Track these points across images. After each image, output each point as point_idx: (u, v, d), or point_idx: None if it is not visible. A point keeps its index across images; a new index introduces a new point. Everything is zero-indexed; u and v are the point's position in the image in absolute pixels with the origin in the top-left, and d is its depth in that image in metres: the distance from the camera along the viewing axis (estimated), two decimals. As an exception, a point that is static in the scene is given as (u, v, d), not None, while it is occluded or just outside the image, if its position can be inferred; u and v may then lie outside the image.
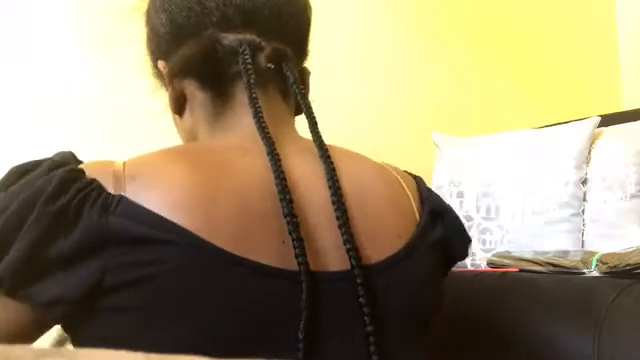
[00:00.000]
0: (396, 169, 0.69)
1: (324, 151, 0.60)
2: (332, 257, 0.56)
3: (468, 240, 0.74)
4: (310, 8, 0.70)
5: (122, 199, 0.51)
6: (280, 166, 0.56)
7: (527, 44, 2.21)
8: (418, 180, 0.70)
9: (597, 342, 0.88)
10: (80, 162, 0.57)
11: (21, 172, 0.54)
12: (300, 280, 0.52)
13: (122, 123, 1.47)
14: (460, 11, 2.10)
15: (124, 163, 0.56)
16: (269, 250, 0.53)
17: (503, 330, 0.99)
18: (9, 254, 0.49)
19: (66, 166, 0.53)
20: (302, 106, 0.64)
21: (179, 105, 0.67)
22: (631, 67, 2.38)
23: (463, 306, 1.02)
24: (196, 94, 0.65)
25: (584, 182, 1.44)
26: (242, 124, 0.62)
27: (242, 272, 0.51)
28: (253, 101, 0.60)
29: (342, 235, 0.55)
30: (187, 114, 0.67)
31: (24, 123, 1.41)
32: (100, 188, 0.52)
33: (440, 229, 0.66)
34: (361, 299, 0.54)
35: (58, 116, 1.45)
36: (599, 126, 1.50)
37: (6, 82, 1.43)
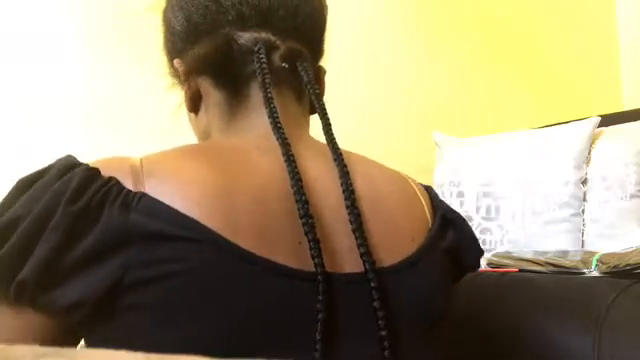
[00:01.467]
0: (408, 177, 0.70)
1: (338, 154, 0.60)
2: (347, 259, 0.56)
3: (480, 252, 0.73)
4: (326, 7, 0.70)
5: (143, 196, 0.51)
6: (296, 167, 0.56)
7: (527, 44, 2.21)
8: (429, 189, 0.71)
9: (597, 342, 0.88)
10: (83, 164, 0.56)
11: (29, 182, 0.53)
12: (317, 281, 0.52)
13: (122, 123, 1.47)
14: (460, 11, 2.10)
15: (141, 159, 0.55)
16: (286, 250, 0.53)
17: (503, 330, 0.99)
18: (33, 257, 0.49)
19: (79, 166, 0.53)
20: (316, 107, 0.64)
21: (194, 103, 0.67)
22: (631, 67, 2.38)
23: (463, 306, 1.02)
24: (211, 93, 0.65)
25: (584, 182, 1.44)
26: (257, 124, 0.62)
27: (261, 272, 0.51)
28: (268, 101, 0.60)
29: (356, 239, 0.55)
30: (202, 113, 0.67)
31: (24, 123, 1.41)
32: (119, 185, 0.52)
33: (452, 235, 0.66)
34: (375, 303, 0.54)
35: (58, 116, 1.45)
36: (599, 126, 1.50)
37: (6, 82, 1.43)
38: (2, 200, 0.54)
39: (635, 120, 1.53)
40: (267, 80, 0.61)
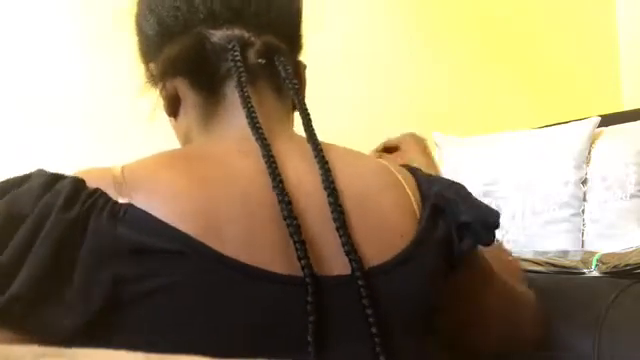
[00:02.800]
0: (393, 165, 0.67)
1: (318, 151, 0.58)
2: (336, 260, 0.55)
3: (491, 223, 0.66)
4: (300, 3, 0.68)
5: (129, 207, 0.50)
6: (276, 169, 0.55)
7: (527, 44, 2.21)
8: (416, 173, 0.67)
9: (597, 342, 0.88)
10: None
11: (7, 187, 0.51)
12: (305, 284, 0.51)
13: (122, 123, 1.47)
14: (460, 11, 2.10)
15: (122, 169, 0.54)
16: (274, 256, 0.52)
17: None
18: (22, 272, 0.47)
19: (65, 178, 0.52)
20: (296, 102, 0.62)
21: (173, 107, 0.66)
22: (631, 67, 2.39)
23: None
24: (188, 94, 0.64)
25: (584, 182, 1.44)
26: (236, 124, 0.61)
27: (249, 280, 0.51)
28: (245, 100, 0.59)
29: (340, 237, 0.54)
30: (181, 116, 0.66)
31: (24, 123, 1.41)
32: (105, 196, 0.51)
33: (442, 226, 0.63)
34: (364, 301, 0.53)
35: (58, 116, 1.45)
36: (599, 126, 1.50)
37: (6, 82, 1.43)
38: None
39: (635, 120, 1.53)
40: (243, 78, 0.59)
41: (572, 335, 0.92)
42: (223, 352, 0.48)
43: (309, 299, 0.51)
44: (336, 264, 0.55)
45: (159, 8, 0.63)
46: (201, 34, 0.61)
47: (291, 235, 0.52)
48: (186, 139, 0.67)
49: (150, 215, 0.50)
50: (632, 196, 1.38)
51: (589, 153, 1.46)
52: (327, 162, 0.58)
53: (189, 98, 0.64)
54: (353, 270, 0.54)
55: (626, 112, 1.77)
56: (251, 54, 0.61)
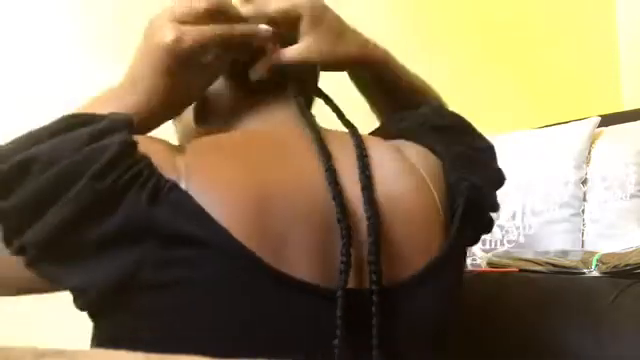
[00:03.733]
0: (419, 153, 0.64)
1: (362, 162, 0.56)
2: (364, 274, 0.53)
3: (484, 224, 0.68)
4: None
5: (174, 187, 0.47)
6: (338, 186, 0.53)
7: (527, 44, 2.21)
8: (444, 157, 0.63)
9: (597, 342, 0.88)
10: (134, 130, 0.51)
11: (74, 123, 0.49)
12: (337, 298, 0.49)
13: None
14: (460, 11, 2.10)
15: (185, 147, 0.53)
16: (311, 265, 0.51)
17: (503, 330, 0.99)
18: (39, 223, 0.45)
19: (119, 132, 0.48)
20: (329, 106, 0.64)
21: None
22: (631, 67, 2.38)
23: (462, 306, 1.02)
24: (224, 82, 0.64)
25: (584, 182, 1.44)
26: (285, 118, 0.61)
27: (279, 287, 0.49)
28: (295, 92, 0.61)
29: (370, 255, 0.52)
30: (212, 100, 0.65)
31: (24, 123, 1.41)
32: (151, 168, 0.47)
33: (473, 233, 0.64)
34: (374, 319, 0.51)
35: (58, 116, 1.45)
36: (599, 126, 1.50)
37: (6, 82, 1.43)
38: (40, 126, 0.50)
39: (635, 120, 1.53)
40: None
41: (572, 335, 0.92)
42: (236, 355, 0.47)
43: (338, 313, 0.49)
44: (365, 278, 0.52)
45: None
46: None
47: (342, 254, 0.50)
48: (225, 121, 0.64)
49: (192, 201, 0.47)
50: (632, 196, 1.38)
51: (589, 153, 1.46)
52: (370, 173, 0.56)
53: (224, 85, 0.64)
54: (375, 286, 0.51)
55: (626, 112, 1.77)
56: None
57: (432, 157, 0.64)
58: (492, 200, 0.67)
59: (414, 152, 0.63)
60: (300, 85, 0.63)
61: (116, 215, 0.45)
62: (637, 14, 2.40)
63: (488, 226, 0.69)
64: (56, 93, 1.45)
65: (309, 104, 0.68)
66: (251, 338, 0.48)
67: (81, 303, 0.48)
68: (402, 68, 0.73)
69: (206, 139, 0.56)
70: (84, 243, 0.45)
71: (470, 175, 0.62)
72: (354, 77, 0.72)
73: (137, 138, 0.49)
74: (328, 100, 0.64)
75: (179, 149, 0.52)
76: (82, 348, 0.31)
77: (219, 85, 0.63)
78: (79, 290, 0.47)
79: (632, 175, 1.39)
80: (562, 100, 2.19)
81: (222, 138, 0.57)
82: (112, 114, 0.51)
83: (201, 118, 0.64)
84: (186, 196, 0.47)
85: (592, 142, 1.47)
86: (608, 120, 1.54)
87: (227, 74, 0.63)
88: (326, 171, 0.54)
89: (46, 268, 0.47)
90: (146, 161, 0.47)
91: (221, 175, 0.50)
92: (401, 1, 2.01)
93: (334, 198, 0.52)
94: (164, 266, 0.46)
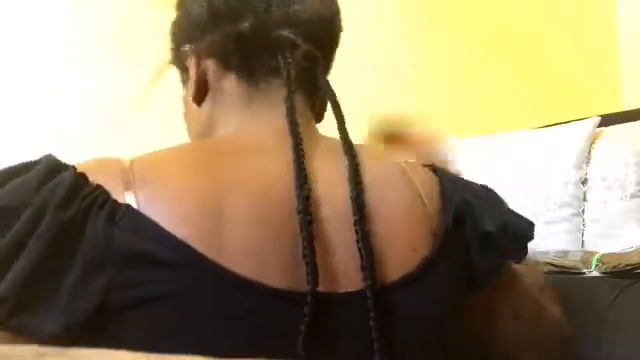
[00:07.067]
0: (413, 167, 0.63)
1: (353, 166, 0.56)
2: (347, 276, 0.52)
3: (502, 246, 0.63)
4: (342, 28, 0.68)
5: (128, 209, 0.48)
6: (304, 168, 0.53)
7: (527, 44, 2.21)
8: (442, 176, 0.64)
9: (597, 342, 0.88)
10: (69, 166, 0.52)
11: (9, 175, 0.50)
12: (307, 302, 0.49)
13: (122, 123, 1.47)
14: (460, 11, 2.11)
15: (132, 162, 0.53)
16: (280, 271, 0.50)
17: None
18: (12, 271, 0.46)
19: (66, 170, 0.50)
20: (334, 113, 0.62)
21: (200, 93, 0.64)
22: (631, 67, 2.38)
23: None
24: (223, 82, 0.63)
25: (584, 182, 1.44)
26: (270, 121, 0.60)
27: (251, 296, 0.49)
28: (290, 97, 0.58)
29: (360, 258, 0.52)
30: (207, 103, 0.64)
31: (25, 123, 1.41)
32: (105, 195, 0.49)
33: (463, 239, 0.61)
34: (371, 321, 0.51)
35: (58, 116, 1.45)
36: (599, 126, 1.50)
37: (6, 82, 1.43)
38: None
39: (635, 120, 1.53)
40: (292, 76, 0.59)
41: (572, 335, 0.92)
42: None
43: (306, 319, 0.48)
44: (347, 280, 0.52)
45: None
46: (255, 26, 0.60)
47: (304, 256, 0.50)
48: (205, 129, 0.65)
49: (149, 220, 0.48)
50: (632, 196, 1.38)
51: (589, 153, 1.46)
52: (360, 180, 0.56)
53: (224, 85, 0.63)
54: (367, 287, 0.51)
55: (626, 112, 1.77)
56: (297, 55, 0.61)
57: (429, 172, 0.64)
58: (497, 219, 0.64)
59: (410, 165, 0.64)
60: (306, 87, 0.63)
61: (80, 246, 0.47)
62: (637, 14, 2.40)
63: (516, 252, 0.66)
64: (56, 93, 1.45)
65: (319, 104, 0.67)
66: (224, 347, 0.47)
67: (59, 334, 0.47)
68: None
69: (155, 152, 0.56)
70: (56, 279, 0.46)
71: (478, 213, 0.62)
72: None
73: (87, 168, 0.51)
74: (336, 107, 0.63)
75: (125, 169, 0.52)
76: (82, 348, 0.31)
77: (220, 73, 0.63)
78: (60, 334, 0.46)
79: (632, 175, 1.39)
80: (562, 100, 2.19)
81: (173, 149, 0.57)
82: (45, 156, 0.52)
83: (199, 98, 0.64)
84: (140, 216, 0.48)
85: (592, 142, 1.47)
86: (608, 120, 1.54)
87: (230, 65, 0.63)
88: (293, 157, 0.54)
89: (20, 321, 0.46)
90: (100, 190, 0.49)
91: (177, 187, 0.51)
92: (402, 1, 2.01)
93: (297, 196, 0.52)
94: (133, 286, 0.47)
